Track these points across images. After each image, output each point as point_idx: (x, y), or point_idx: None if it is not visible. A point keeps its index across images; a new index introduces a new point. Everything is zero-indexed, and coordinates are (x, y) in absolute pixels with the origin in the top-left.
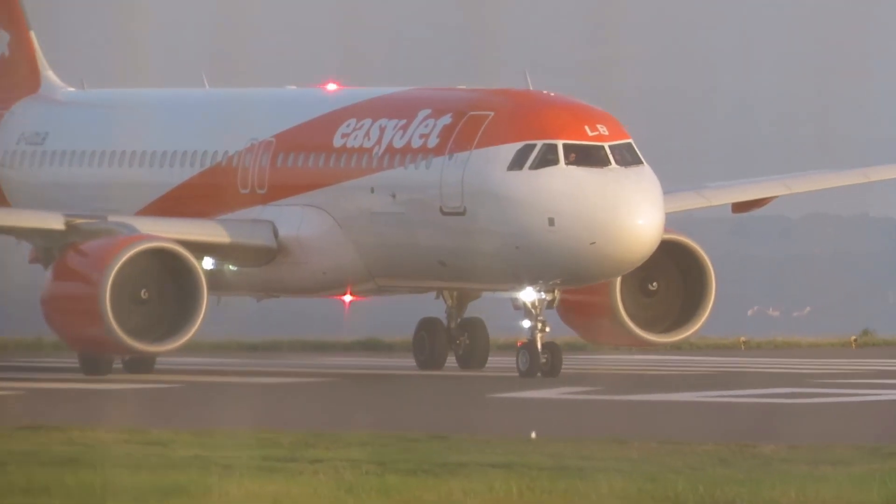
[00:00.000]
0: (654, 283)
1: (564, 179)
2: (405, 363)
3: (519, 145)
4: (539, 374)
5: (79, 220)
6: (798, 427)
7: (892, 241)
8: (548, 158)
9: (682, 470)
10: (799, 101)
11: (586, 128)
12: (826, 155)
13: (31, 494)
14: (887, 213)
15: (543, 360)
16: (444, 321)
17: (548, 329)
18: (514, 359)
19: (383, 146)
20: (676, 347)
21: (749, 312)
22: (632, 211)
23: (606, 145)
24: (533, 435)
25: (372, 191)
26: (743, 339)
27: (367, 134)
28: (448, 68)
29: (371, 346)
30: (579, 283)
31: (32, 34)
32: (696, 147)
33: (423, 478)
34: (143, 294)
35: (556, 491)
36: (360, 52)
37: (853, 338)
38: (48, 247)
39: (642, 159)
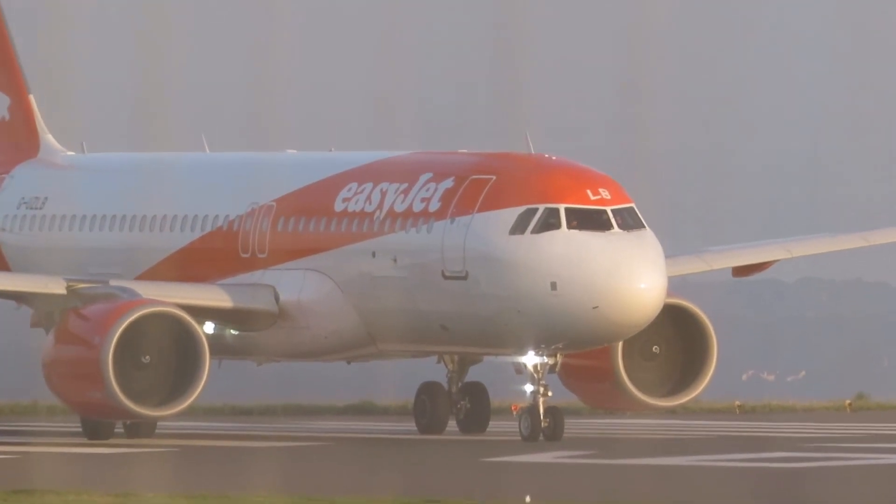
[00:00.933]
0: (656, 347)
1: (566, 244)
2: (405, 427)
3: (521, 209)
4: (542, 438)
5: (80, 285)
6: (792, 492)
7: (885, 305)
8: (550, 222)
9: None
10: (813, 163)
11: (588, 192)
12: (829, 216)
13: None
14: (881, 277)
15: (545, 424)
16: (445, 385)
17: (550, 393)
18: (516, 423)
19: (384, 210)
20: (671, 411)
21: (743, 377)
22: (634, 275)
23: (608, 209)
24: (528, 499)
25: (373, 255)
26: (738, 402)
27: (369, 198)
28: (449, 131)
29: (365, 410)
30: (581, 348)
31: (32, 98)
32: (707, 209)
33: None
34: (145, 359)
35: None
36: (361, 116)
37: (848, 402)
38: (49, 311)
39: (644, 223)
